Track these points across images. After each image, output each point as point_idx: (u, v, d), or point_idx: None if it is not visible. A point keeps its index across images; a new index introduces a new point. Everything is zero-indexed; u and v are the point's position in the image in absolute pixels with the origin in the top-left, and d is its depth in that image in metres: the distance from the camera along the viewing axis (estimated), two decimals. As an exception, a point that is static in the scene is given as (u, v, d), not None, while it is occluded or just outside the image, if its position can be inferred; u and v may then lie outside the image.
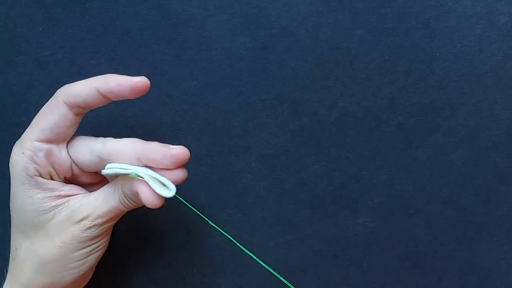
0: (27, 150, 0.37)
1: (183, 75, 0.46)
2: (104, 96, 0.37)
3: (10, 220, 0.46)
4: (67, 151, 0.39)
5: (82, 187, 0.41)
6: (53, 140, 0.38)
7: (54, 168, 0.38)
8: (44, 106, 0.38)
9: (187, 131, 0.46)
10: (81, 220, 0.38)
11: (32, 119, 0.46)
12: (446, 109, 0.45)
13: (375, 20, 0.45)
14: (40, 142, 0.37)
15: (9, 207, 0.46)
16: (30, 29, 0.46)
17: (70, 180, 0.40)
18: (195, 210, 0.39)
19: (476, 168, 0.45)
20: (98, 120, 0.46)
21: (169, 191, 0.36)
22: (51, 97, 0.46)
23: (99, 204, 0.38)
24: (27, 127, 0.46)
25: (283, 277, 0.46)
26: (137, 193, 0.37)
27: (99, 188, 0.40)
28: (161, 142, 0.46)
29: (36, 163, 0.37)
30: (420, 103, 0.45)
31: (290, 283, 0.46)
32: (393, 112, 0.46)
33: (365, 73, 0.46)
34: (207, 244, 0.46)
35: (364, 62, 0.46)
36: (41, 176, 0.38)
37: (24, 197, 0.38)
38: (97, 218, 0.38)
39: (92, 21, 0.46)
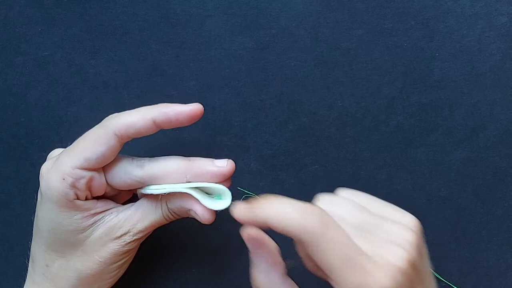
0: (68, 177, 0.37)
1: (182, 76, 0.46)
2: (159, 126, 0.37)
3: (10, 221, 0.46)
4: (103, 173, 0.39)
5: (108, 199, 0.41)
6: (96, 168, 0.38)
7: (90, 191, 0.38)
8: (89, 134, 0.38)
9: (187, 131, 0.46)
10: (121, 236, 0.39)
11: (32, 119, 0.46)
12: (445, 109, 0.45)
13: (374, 20, 0.45)
14: (83, 170, 0.37)
15: (9, 207, 0.46)
16: (29, 29, 0.46)
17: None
18: None
19: (475, 168, 0.45)
20: (99, 122, 0.46)
21: (223, 202, 0.37)
22: (50, 97, 0.46)
23: (138, 220, 0.39)
24: (26, 127, 0.46)
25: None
26: (190, 210, 0.38)
27: (120, 196, 0.42)
28: (160, 142, 0.46)
29: (77, 189, 0.37)
30: (419, 103, 0.45)
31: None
32: (392, 112, 0.46)
33: (364, 73, 0.46)
34: (207, 244, 0.46)
35: (363, 62, 0.46)
36: (78, 198, 0.38)
37: (61, 219, 0.38)
38: (137, 233, 0.39)
39: (92, 21, 0.46)
